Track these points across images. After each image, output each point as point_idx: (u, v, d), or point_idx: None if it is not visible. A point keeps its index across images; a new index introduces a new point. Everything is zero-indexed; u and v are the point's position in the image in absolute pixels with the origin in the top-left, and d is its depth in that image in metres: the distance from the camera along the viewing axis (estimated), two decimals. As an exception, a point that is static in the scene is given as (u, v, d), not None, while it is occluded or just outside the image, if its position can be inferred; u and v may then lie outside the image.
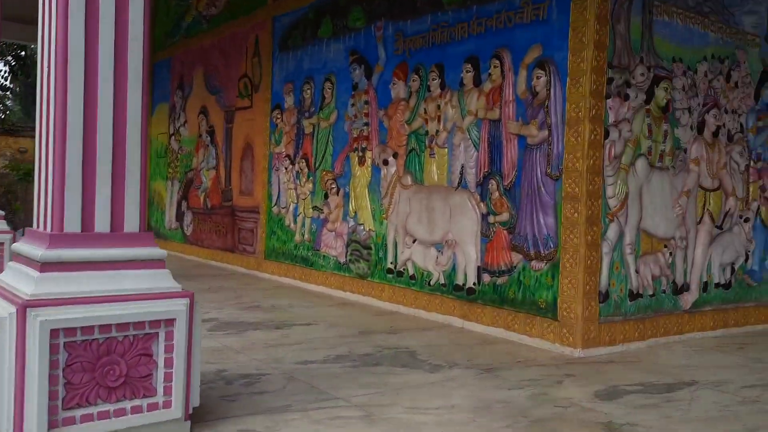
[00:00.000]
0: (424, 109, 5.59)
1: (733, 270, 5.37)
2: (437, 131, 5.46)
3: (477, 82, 5.11)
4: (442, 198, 5.39)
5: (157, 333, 2.60)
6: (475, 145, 5.12)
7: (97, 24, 2.58)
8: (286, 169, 7.51)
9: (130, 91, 2.67)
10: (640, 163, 4.64)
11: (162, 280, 2.70)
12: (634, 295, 4.65)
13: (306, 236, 7.14)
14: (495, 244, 4.94)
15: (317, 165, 7.01)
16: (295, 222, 7.36)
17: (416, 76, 5.68)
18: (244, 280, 7.52)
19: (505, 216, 4.86)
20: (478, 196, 5.08)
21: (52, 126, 2.56)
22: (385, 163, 5.95)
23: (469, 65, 5.15)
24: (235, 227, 8.62)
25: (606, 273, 4.46)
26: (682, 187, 4.94)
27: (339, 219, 6.64)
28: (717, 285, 5.26)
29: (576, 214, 4.36)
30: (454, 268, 5.30)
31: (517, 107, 4.80)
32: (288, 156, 7.48)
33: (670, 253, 4.88)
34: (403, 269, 5.80)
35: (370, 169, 6.24)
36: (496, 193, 4.91)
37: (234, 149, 8.70)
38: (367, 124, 6.27)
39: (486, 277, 5.00)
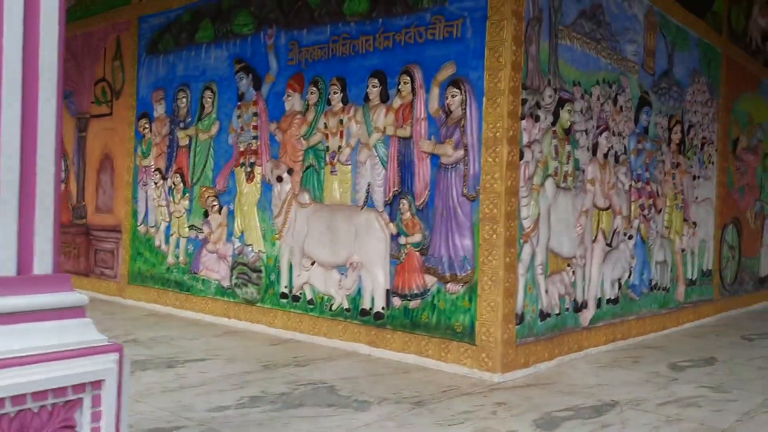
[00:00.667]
0: (324, 123, 5.29)
1: (620, 285, 5.63)
2: (339, 147, 5.18)
3: (384, 98, 4.91)
4: (346, 217, 5.11)
5: (82, 399, 2.07)
6: (382, 163, 4.91)
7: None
8: (155, 184, 6.81)
9: (42, 94, 2.13)
10: (549, 184, 4.69)
11: (85, 332, 2.17)
12: (544, 315, 4.68)
13: (181, 258, 6.51)
14: (406, 267, 4.75)
15: (195, 180, 6.42)
16: (167, 242, 6.69)
17: (314, 89, 5.36)
18: (106, 309, 6.69)
19: (417, 237, 4.69)
20: (387, 216, 4.87)
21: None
22: (279, 179, 5.56)
23: (376, 80, 4.93)
24: (91, 248, 7.69)
25: (521, 295, 4.44)
26: (581, 207, 5.08)
27: (222, 239, 6.11)
28: (608, 301, 5.47)
29: (494, 235, 4.29)
30: (359, 292, 5.03)
31: (429, 125, 4.66)
32: (158, 170, 6.79)
33: (573, 272, 4.99)
34: (300, 293, 5.43)
35: (259, 185, 5.80)
36: (408, 214, 4.73)
37: (89, 161, 7.78)
38: (256, 137, 5.83)
39: (396, 301, 4.79)
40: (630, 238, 5.73)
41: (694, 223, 6.98)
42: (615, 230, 5.54)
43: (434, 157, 4.62)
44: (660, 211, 6.26)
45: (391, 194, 4.86)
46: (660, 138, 6.27)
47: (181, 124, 6.56)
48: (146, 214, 6.96)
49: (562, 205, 4.84)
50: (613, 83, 5.46)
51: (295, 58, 5.55)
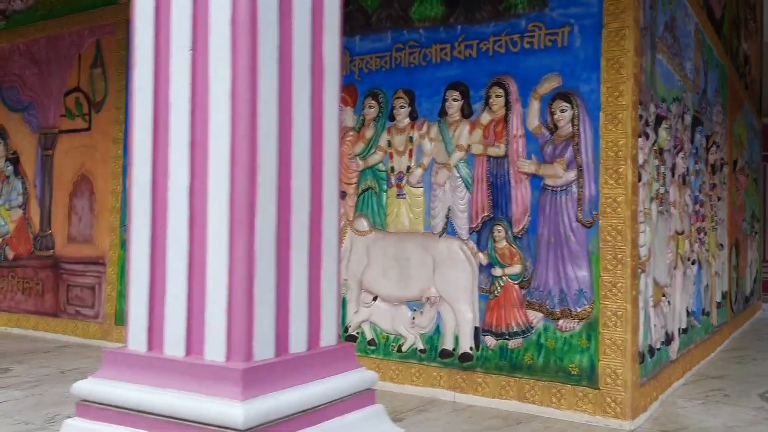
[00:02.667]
0: (388, 141, 4.69)
1: (688, 313, 5.34)
2: (408, 168, 4.60)
3: (466, 113, 4.39)
4: (420, 246, 4.52)
5: None
6: (466, 185, 4.37)
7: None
8: (154, 209, 5.91)
9: (327, 118, 1.49)
10: (654, 208, 4.33)
11: (381, 422, 1.51)
12: (652, 351, 4.28)
13: (190, 295, 5.64)
14: (502, 301, 4.22)
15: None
16: (170, 277, 5.80)
17: (373, 102, 4.76)
18: (90, 355, 5.68)
19: (516, 268, 4.17)
20: (474, 245, 4.33)
21: (220, 182, 1.29)
22: (329, 204, 4.88)
23: (457, 93, 4.41)
24: (61, 284, 6.62)
25: (642, 330, 4.02)
26: (669, 231, 4.75)
27: (247, 273, 5.32)
28: (682, 330, 5.16)
29: (619, 265, 3.85)
30: (438, 330, 4.44)
31: (527, 143, 4.18)
32: (158, 193, 5.90)
33: (669, 302, 4.64)
34: (358, 332, 4.77)
35: (298, 211, 5.09)
36: (504, 242, 4.21)
37: (58, 183, 6.72)
38: (293, 156, 5.12)
39: (489, 340, 4.24)
40: (693, 263, 5.48)
41: (722, 245, 6.89)
42: (686, 255, 5.26)
43: (535, 179, 4.14)
44: (706, 233, 6.08)
45: (479, 220, 4.32)
46: (702, 158, 6.11)
47: (190, 141, 5.72)
48: (140, 244, 6.02)
49: (660, 229, 4.49)
50: (681, 100, 5.21)
51: (345, 68, 4.92)
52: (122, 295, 6.10)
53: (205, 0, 1.38)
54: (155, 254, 1.39)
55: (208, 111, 1.35)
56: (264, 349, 1.30)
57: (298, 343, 1.41)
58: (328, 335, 1.50)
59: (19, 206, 7.05)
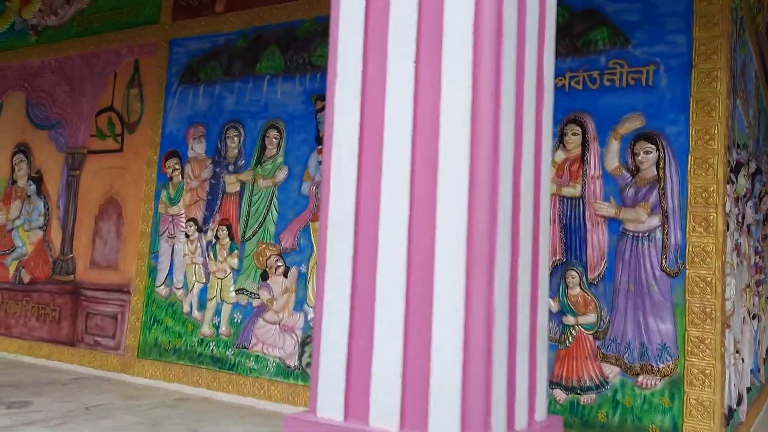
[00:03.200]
0: (450, 176, 4.46)
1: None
2: (472, 205, 4.36)
3: (537, 150, 4.17)
4: (483, 290, 4.25)
5: None
6: (536, 227, 4.13)
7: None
8: (188, 237, 5.64)
9: (544, 149, 1.26)
10: (735, 259, 4.10)
11: None
12: (731, 412, 4.00)
13: (223, 329, 5.34)
14: (573, 353, 3.95)
15: (248, 235, 5.34)
16: (201, 309, 5.50)
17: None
18: (114, 390, 5.34)
19: (591, 317, 3.91)
20: (543, 291, 4.06)
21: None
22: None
23: (529, 128, 4.19)
24: (80, 312, 6.29)
25: (728, 389, 3.75)
26: (741, 284, 4.52)
27: (288, 308, 5.04)
28: (747, 390, 4.88)
29: (708, 320, 3.60)
30: (499, 381, 4.15)
31: (605, 184, 3.96)
32: (193, 220, 5.64)
33: (743, 359, 4.37)
34: (408, 379, 4.47)
35: (347, 245, 4.83)
36: (578, 288, 3.96)
37: (83, 205, 6.44)
38: (344, 188, 4.89)
39: (559, 394, 3.96)
40: (754, 318, 5.23)
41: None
42: (749, 308, 5.02)
43: (612, 222, 3.91)
44: (762, 286, 5.85)
45: (550, 264, 4.06)
46: (760, 208, 5.91)
47: (231, 167, 5.49)
48: (170, 273, 5.73)
49: (738, 282, 4.25)
50: (747, 147, 5.03)
51: (404, 98, 4.72)
52: (147, 326, 5.78)
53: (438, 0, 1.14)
54: (357, 302, 1.14)
55: (437, 136, 1.11)
56: (498, 426, 1.05)
57: (520, 417, 1.16)
58: (541, 408, 1.26)
59: (40, 227, 6.76)
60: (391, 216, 1.15)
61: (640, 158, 3.83)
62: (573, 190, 4.03)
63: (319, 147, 5.04)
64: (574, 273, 3.97)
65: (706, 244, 3.64)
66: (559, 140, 4.12)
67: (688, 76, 3.77)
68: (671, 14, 3.86)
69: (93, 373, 6.02)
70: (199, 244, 5.59)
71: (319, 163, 5.03)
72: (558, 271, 4.05)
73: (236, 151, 5.47)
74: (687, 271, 3.67)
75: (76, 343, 6.26)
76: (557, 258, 4.06)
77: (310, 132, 5.13)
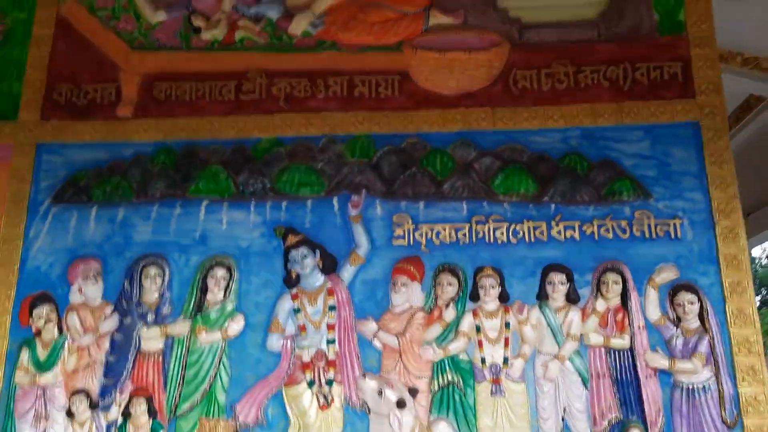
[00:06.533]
0: (477, 326, 3.97)
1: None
2: (506, 359, 3.91)
3: (572, 298, 3.99)
4: (534, 459, 3.75)
5: None
6: (583, 381, 3.86)
7: None
8: (71, 415, 3.99)
9: None
10: None
11: None
12: None
13: None
14: None
15: (179, 409, 3.98)
16: None
17: (453, 279, 4.05)
18: None
19: (659, 479, 3.69)
20: (601, 453, 3.75)
21: None
22: (400, 405, 3.83)
23: (563, 276, 3.99)
24: None
25: None
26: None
27: None
28: None
29: (772, 469, 3.67)
30: None
31: (649, 335, 3.91)
32: (83, 392, 4.03)
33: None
34: None
35: (341, 414, 3.91)
36: (642, 449, 3.73)
37: None
38: (332, 341, 4.01)
39: None
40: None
41: None
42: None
43: (663, 374, 3.84)
44: None
45: (605, 422, 3.79)
46: None
47: (149, 317, 4.12)
48: (35, 471, 3.94)
49: None
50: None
51: (405, 236, 4.16)
52: None
53: None
54: None
55: None
56: None
57: None
58: None
59: None
60: None
61: (686, 309, 3.88)
62: (623, 341, 3.89)
63: (293, 291, 4.10)
64: (636, 431, 3.75)
65: (757, 393, 3.77)
66: (596, 289, 3.99)
67: (712, 230, 4.01)
68: (685, 173, 4.14)
69: None
70: (94, 426, 3.98)
71: (295, 310, 4.08)
72: (615, 429, 3.79)
73: (156, 295, 4.16)
74: (744, 421, 3.73)
75: None
76: (614, 415, 3.80)
77: (274, 272, 4.16)
